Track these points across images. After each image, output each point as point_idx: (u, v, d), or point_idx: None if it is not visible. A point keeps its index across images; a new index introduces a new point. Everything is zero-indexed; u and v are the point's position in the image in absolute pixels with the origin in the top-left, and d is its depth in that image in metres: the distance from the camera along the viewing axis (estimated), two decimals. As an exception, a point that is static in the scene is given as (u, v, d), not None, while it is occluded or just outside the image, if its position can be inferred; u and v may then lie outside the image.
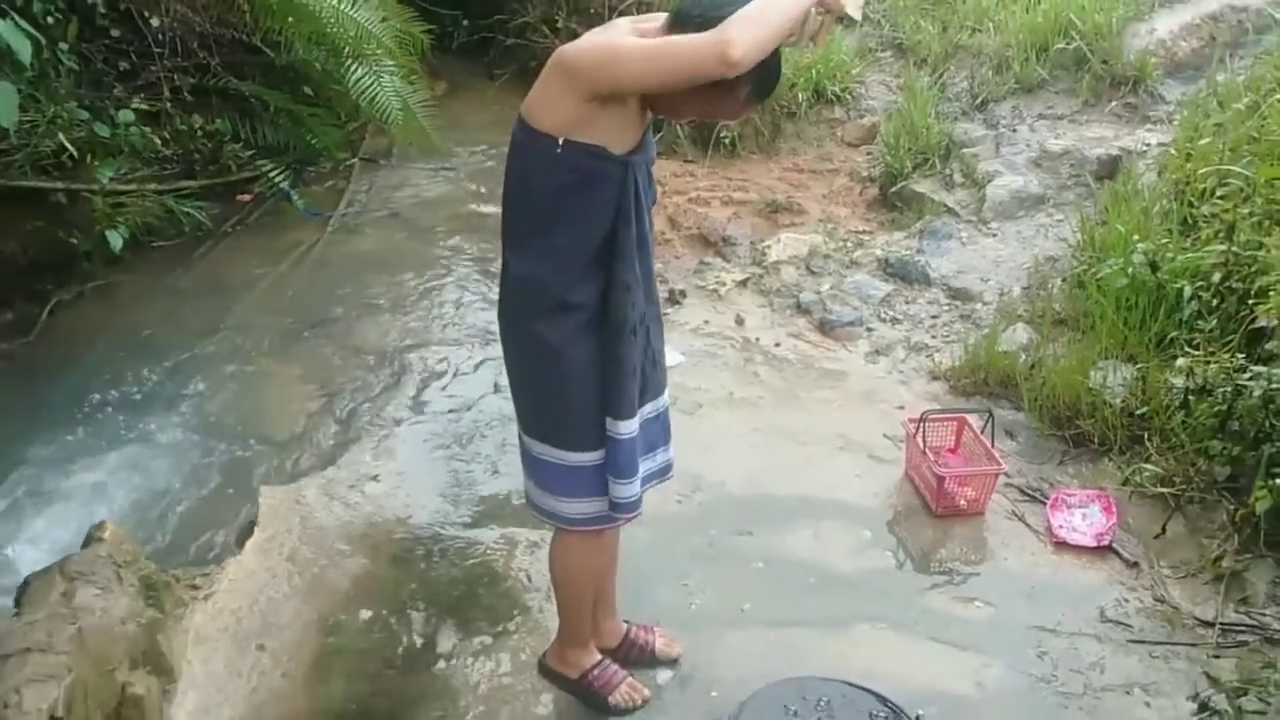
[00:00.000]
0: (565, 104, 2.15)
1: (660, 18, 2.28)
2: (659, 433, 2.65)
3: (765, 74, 2.22)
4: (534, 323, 2.36)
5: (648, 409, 2.55)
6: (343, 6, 5.67)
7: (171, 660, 2.82)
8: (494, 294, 5.04)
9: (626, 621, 3.02)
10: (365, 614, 3.18)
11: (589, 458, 2.48)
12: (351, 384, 4.41)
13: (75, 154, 4.71)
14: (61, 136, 4.60)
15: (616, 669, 2.89)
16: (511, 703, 2.89)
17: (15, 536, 3.57)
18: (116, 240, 4.78)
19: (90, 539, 2.97)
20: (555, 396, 2.44)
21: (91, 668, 2.47)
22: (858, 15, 2.31)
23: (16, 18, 3.40)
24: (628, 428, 2.44)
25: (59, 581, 2.70)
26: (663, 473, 2.71)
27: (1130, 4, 6.15)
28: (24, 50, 3.22)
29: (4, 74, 3.87)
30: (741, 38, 1.99)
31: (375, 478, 3.81)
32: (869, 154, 6.42)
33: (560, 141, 2.17)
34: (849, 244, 5.65)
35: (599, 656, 2.90)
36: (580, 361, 2.38)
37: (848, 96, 6.68)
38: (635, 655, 2.98)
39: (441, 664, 3.00)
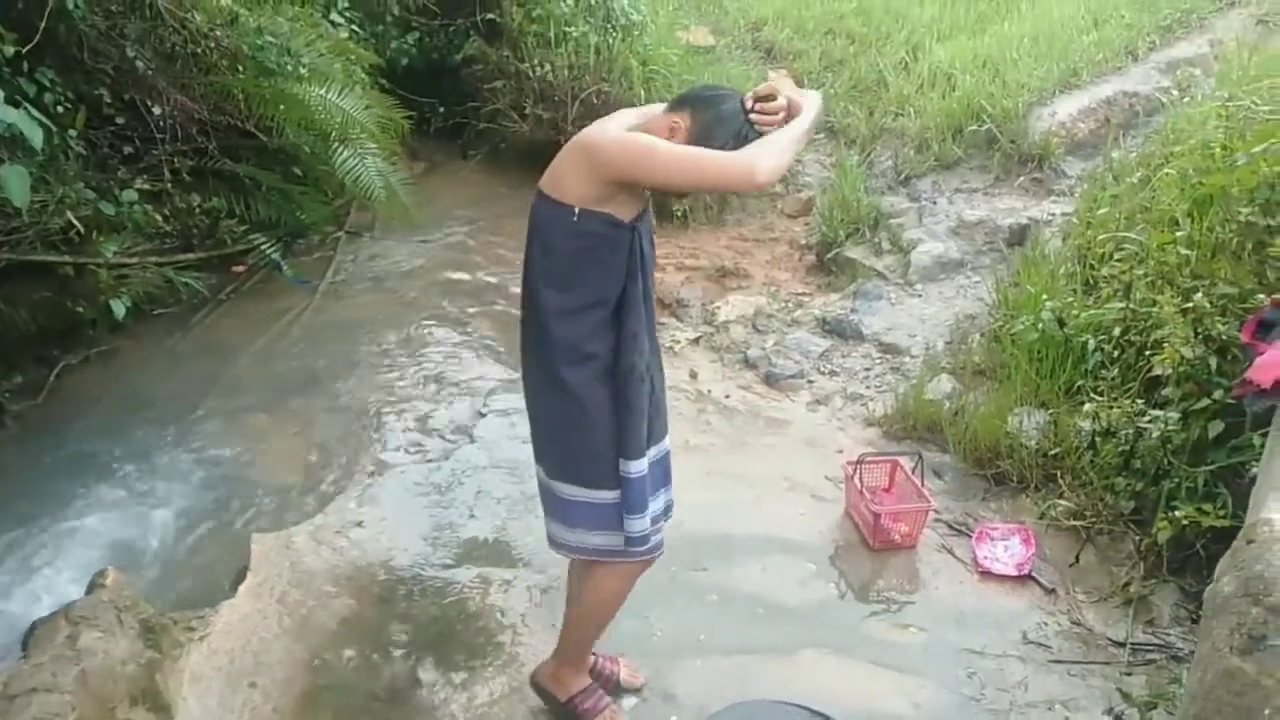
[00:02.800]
0: (586, 182, 2.24)
1: (658, 108, 2.40)
2: (661, 475, 2.65)
3: None
4: (560, 371, 2.39)
5: (653, 451, 2.55)
6: (330, 95, 5.69)
7: (168, 698, 2.76)
8: (469, 354, 5.09)
9: (593, 654, 2.99)
10: (351, 651, 3.13)
11: (611, 495, 2.49)
12: (337, 437, 4.37)
13: (82, 230, 4.66)
14: (70, 214, 4.56)
15: (602, 695, 2.85)
16: (487, 731, 2.85)
17: (23, 584, 3.48)
18: (120, 309, 4.72)
19: (93, 585, 2.93)
20: (580, 439, 2.46)
21: (94, 706, 2.42)
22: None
23: (29, 108, 3.41)
24: (638, 467, 2.46)
25: (63, 626, 2.65)
26: (665, 511, 2.71)
27: (1034, 90, 6.31)
28: (36, 137, 3.22)
29: (17, 158, 3.85)
30: (767, 164, 2.16)
31: (360, 524, 3.76)
32: (806, 224, 6.52)
33: (577, 211, 2.24)
34: (790, 305, 5.71)
35: (589, 681, 2.86)
36: (599, 406, 2.41)
37: (786, 173, 6.78)
38: (601, 684, 2.95)
39: (423, 696, 2.96)
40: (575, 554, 2.67)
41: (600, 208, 2.25)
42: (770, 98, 2.30)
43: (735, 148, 2.25)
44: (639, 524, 2.52)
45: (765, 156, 2.16)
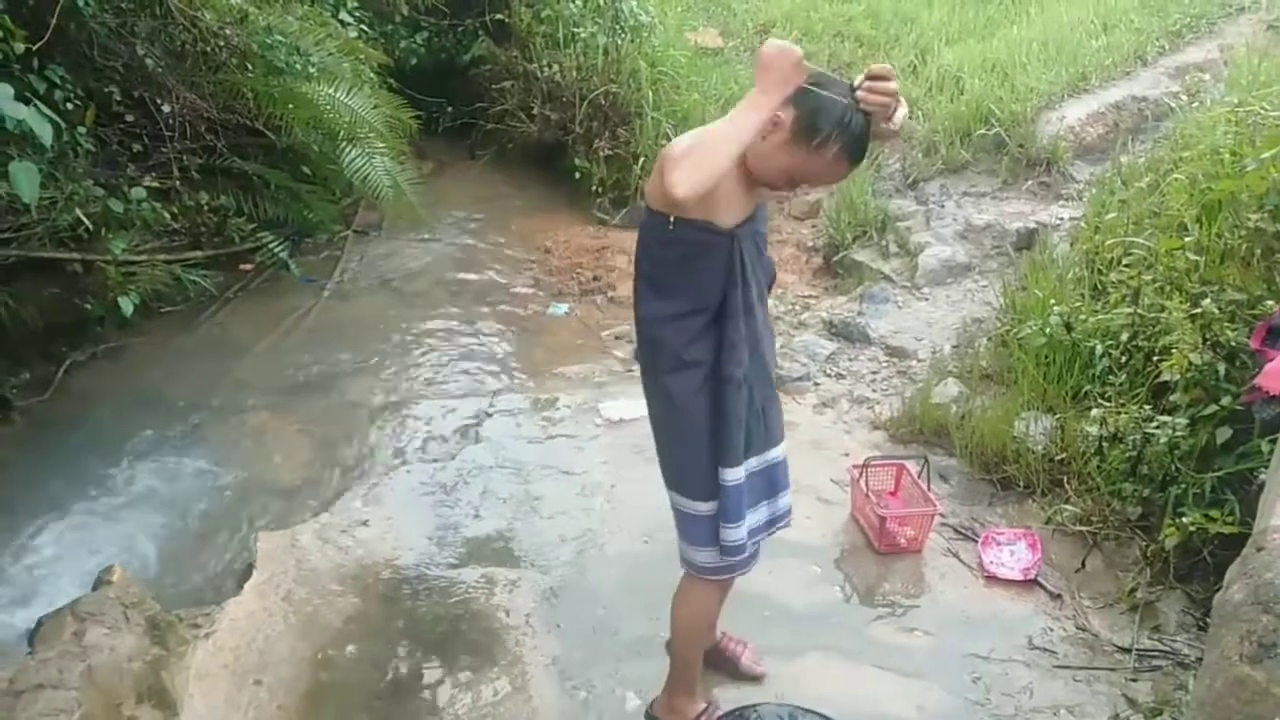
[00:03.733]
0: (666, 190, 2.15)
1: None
2: (764, 486, 2.58)
3: (856, 138, 2.16)
4: (662, 378, 2.40)
5: (753, 462, 2.51)
6: (338, 95, 5.71)
7: (174, 695, 2.76)
8: (476, 354, 5.10)
9: (723, 632, 3.02)
10: (355, 649, 3.13)
11: (706, 507, 2.47)
12: (344, 437, 4.37)
13: (90, 227, 4.68)
14: (78, 211, 4.58)
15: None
16: (492, 731, 2.84)
17: (30, 580, 3.50)
18: (128, 306, 4.74)
19: (100, 582, 2.93)
20: (680, 446, 2.46)
21: (100, 702, 2.42)
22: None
23: (39, 104, 3.41)
24: (734, 475, 2.42)
25: (70, 622, 2.65)
26: (767, 525, 2.64)
27: (1042, 95, 6.30)
28: (45, 133, 3.22)
29: (27, 155, 3.87)
30: (683, 181, 1.98)
31: (365, 522, 3.76)
32: (814, 227, 6.51)
33: (671, 219, 2.20)
34: (797, 307, 5.70)
35: (704, 704, 2.84)
36: (700, 414, 2.39)
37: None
38: (724, 664, 3.02)
39: (426, 696, 2.96)
40: (684, 566, 2.62)
41: (697, 215, 2.18)
42: (883, 78, 2.12)
43: (843, 136, 2.12)
44: (735, 533, 2.47)
45: (681, 169, 2.00)
